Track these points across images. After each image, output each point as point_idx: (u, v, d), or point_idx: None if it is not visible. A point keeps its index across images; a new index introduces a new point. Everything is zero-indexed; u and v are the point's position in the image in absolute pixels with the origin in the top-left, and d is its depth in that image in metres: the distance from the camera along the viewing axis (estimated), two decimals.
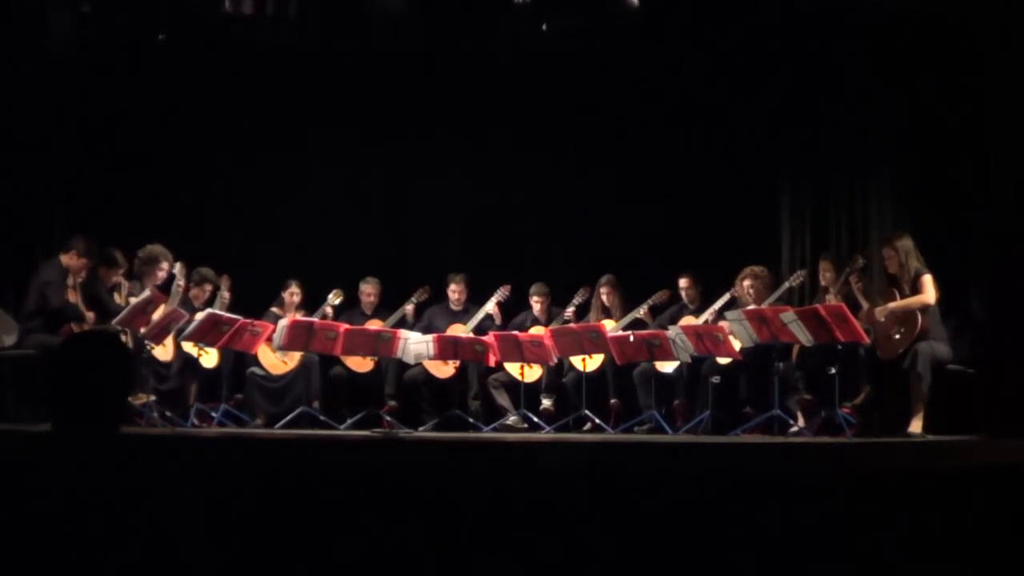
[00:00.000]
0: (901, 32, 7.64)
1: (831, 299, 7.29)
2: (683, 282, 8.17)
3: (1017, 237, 6.80)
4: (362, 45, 8.79)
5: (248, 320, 7.68)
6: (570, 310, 8.31)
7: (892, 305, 6.81)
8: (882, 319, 6.84)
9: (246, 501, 4.20)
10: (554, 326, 8.12)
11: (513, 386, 8.12)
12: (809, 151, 8.45)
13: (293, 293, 8.42)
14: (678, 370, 7.81)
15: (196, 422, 7.67)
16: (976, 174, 7.12)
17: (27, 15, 8.17)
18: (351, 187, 9.16)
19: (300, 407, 7.91)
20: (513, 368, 8.04)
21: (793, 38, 8.28)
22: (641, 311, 8.13)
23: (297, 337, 7.68)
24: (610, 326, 8.02)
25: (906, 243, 6.89)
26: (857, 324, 6.76)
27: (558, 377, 8.24)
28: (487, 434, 7.70)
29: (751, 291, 7.77)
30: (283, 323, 7.71)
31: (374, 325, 8.28)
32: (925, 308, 6.72)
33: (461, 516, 4.40)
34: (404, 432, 7.46)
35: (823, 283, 7.61)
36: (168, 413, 7.47)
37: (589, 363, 7.93)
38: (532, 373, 8.17)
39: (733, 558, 4.45)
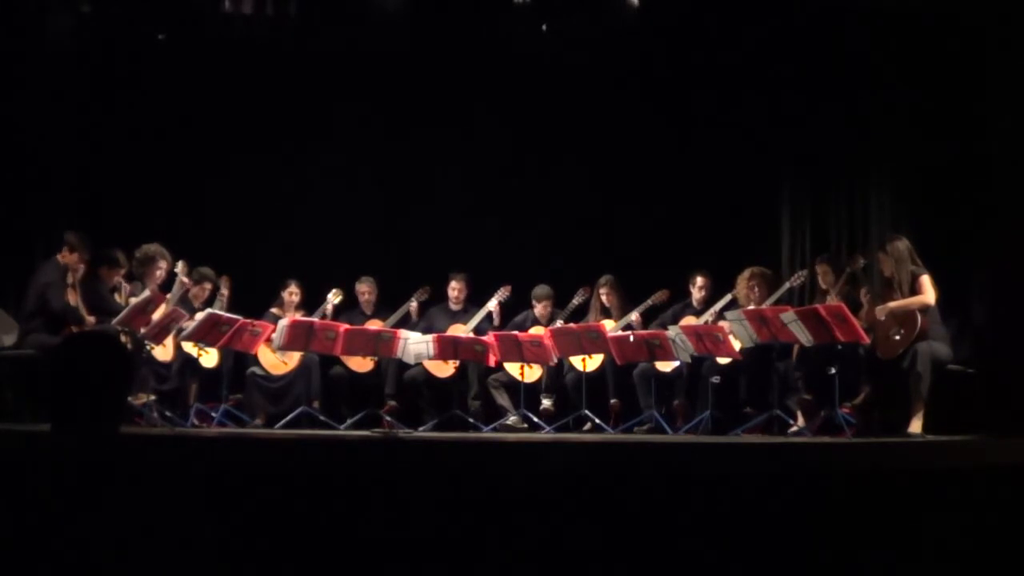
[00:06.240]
0: (902, 31, 7.64)
1: (831, 300, 7.28)
2: (700, 280, 8.13)
3: (1017, 237, 6.79)
4: (362, 45, 8.79)
5: (248, 320, 7.68)
6: (559, 323, 8.25)
7: (892, 305, 6.80)
8: (882, 318, 6.84)
9: (246, 501, 4.20)
10: (554, 326, 8.12)
11: (513, 386, 8.12)
12: (809, 151, 8.44)
13: (292, 292, 8.42)
14: (678, 370, 7.81)
15: (196, 422, 7.67)
16: (977, 174, 7.11)
17: (27, 15, 8.17)
18: (351, 187, 9.16)
19: (300, 407, 7.91)
20: (513, 368, 8.04)
21: (793, 37, 8.27)
22: (633, 316, 8.11)
23: (297, 337, 7.68)
24: (610, 326, 8.02)
25: (899, 247, 6.87)
26: (857, 324, 6.76)
27: (558, 377, 8.24)
28: (487, 434, 7.70)
29: (751, 292, 7.77)
30: (283, 323, 7.71)
31: (374, 325, 8.28)
32: (925, 308, 6.72)
33: (461, 516, 4.40)
34: (404, 432, 7.45)
35: (822, 286, 7.59)
36: (168, 413, 7.47)
37: (589, 363, 7.92)
38: (532, 373, 8.17)
39: (732, 556, 4.45)
